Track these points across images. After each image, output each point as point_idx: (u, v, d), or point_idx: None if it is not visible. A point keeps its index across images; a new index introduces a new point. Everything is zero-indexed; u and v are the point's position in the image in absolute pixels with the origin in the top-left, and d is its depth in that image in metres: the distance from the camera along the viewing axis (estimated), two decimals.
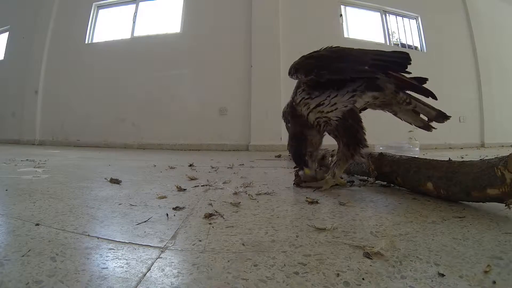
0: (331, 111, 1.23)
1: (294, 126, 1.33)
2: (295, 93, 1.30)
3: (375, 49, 1.29)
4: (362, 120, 1.28)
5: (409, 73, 1.24)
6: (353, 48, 1.26)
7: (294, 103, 1.29)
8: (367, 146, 1.26)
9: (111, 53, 5.31)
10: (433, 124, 1.31)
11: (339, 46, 1.28)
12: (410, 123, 1.34)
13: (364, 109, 1.37)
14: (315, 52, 1.25)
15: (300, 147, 1.29)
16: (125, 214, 0.91)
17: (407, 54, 1.23)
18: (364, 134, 1.26)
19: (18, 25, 5.96)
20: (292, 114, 1.33)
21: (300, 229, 0.77)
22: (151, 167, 2.16)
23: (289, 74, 1.24)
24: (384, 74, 1.21)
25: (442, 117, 1.26)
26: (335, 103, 1.21)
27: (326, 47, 1.28)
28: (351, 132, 1.25)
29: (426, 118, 1.30)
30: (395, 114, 1.33)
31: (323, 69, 1.17)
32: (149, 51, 5.13)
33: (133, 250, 0.63)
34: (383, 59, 1.22)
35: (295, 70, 1.21)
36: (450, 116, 1.25)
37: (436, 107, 1.27)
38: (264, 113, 4.63)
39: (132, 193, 1.22)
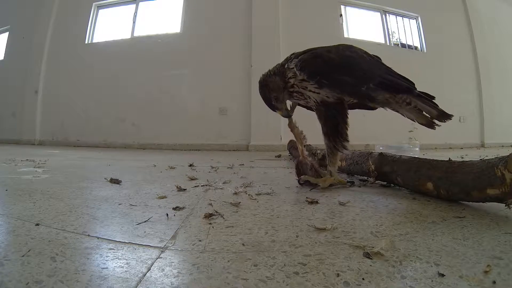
0: (313, 92, 1.24)
1: (261, 78, 1.38)
2: (291, 59, 1.30)
3: (379, 57, 1.29)
4: (347, 116, 1.29)
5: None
6: (366, 57, 1.25)
7: (286, 65, 1.30)
8: (348, 141, 1.27)
9: (111, 53, 5.31)
10: (437, 122, 1.30)
11: (353, 48, 1.27)
12: (413, 120, 1.33)
13: (359, 105, 1.37)
14: (327, 51, 1.24)
15: (266, 94, 1.35)
16: (125, 214, 0.91)
17: (413, 83, 1.25)
18: (346, 129, 1.27)
19: (18, 25, 5.95)
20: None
21: (300, 229, 0.77)
22: (151, 167, 2.16)
23: (295, 67, 1.25)
24: (387, 92, 1.22)
25: (444, 116, 1.25)
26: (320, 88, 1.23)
27: (340, 47, 1.26)
28: (332, 123, 1.27)
29: (429, 116, 1.30)
30: (397, 111, 1.33)
31: (325, 77, 1.18)
32: (149, 51, 5.13)
33: (133, 250, 0.63)
34: (392, 80, 1.21)
35: (301, 67, 1.22)
36: (452, 116, 1.24)
37: (438, 107, 1.26)
38: (264, 113, 4.60)
39: (132, 193, 1.22)
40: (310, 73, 1.20)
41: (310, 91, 1.25)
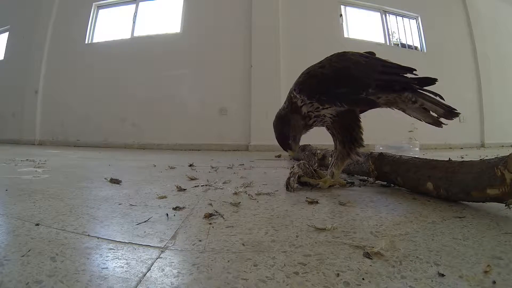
0: (326, 108, 1.24)
1: (281, 111, 1.34)
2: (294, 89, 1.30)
3: (381, 58, 1.28)
4: (360, 120, 1.29)
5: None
6: (360, 62, 1.23)
7: (292, 95, 1.30)
8: (363, 146, 1.27)
9: (111, 53, 5.31)
10: (444, 120, 1.28)
11: (346, 55, 1.26)
12: (420, 120, 1.32)
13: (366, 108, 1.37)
14: (319, 67, 1.24)
15: (284, 130, 1.30)
16: (125, 214, 0.91)
17: (413, 69, 1.23)
18: (361, 133, 1.27)
19: (18, 25, 5.95)
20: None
21: (300, 229, 0.77)
22: (151, 167, 2.16)
23: (294, 91, 1.27)
24: (387, 93, 1.21)
25: (450, 114, 1.23)
26: None
27: (333, 58, 1.25)
28: (347, 130, 1.27)
29: (435, 114, 1.28)
30: (404, 111, 1.32)
31: (324, 94, 1.20)
32: (149, 51, 5.13)
33: (133, 250, 0.63)
34: (387, 79, 1.20)
35: (299, 90, 1.24)
36: (459, 113, 1.22)
37: (445, 104, 1.24)
38: (264, 113, 4.62)
39: (132, 193, 1.22)
40: (309, 94, 1.22)
41: (324, 109, 1.26)
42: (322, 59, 1.29)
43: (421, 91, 1.23)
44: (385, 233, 0.73)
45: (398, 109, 1.32)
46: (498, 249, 0.63)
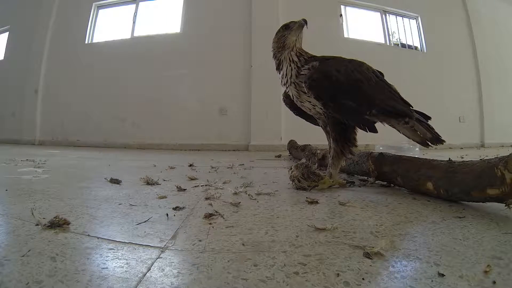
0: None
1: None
2: (306, 63, 1.29)
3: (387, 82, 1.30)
4: None
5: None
6: (373, 79, 1.23)
7: (296, 80, 1.31)
8: (356, 146, 1.29)
9: (111, 53, 5.31)
10: (430, 143, 1.36)
11: (363, 67, 1.25)
12: (408, 138, 1.37)
13: None
14: (336, 70, 1.20)
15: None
16: (125, 214, 0.91)
17: (411, 105, 1.30)
18: (355, 133, 1.29)
19: (18, 25, 5.95)
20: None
21: (300, 229, 0.77)
22: (151, 167, 2.16)
23: (304, 84, 1.25)
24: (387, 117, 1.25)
25: (436, 140, 1.31)
26: None
27: (350, 66, 1.22)
28: (341, 128, 1.27)
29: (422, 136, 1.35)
30: (394, 127, 1.35)
31: (331, 100, 1.19)
32: (149, 51, 5.13)
33: (133, 250, 0.63)
34: (394, 106, 1.22)
35: (309, 87, 1.21)
36: (444, 141, 1.30)
37: (434, 130, 1.31)
38: (264, 113, 4.63)
39: (132, 193, 1.22)
40: (317, 95, 1.21)
41: (315, 103, 1.27)
42: (337, 56, 1.29)
43: (417, 118, 1.28)
44: (385, 233, 0.73)
45: (389, 125, 1.34)
46: (498, 249, 0.63)
